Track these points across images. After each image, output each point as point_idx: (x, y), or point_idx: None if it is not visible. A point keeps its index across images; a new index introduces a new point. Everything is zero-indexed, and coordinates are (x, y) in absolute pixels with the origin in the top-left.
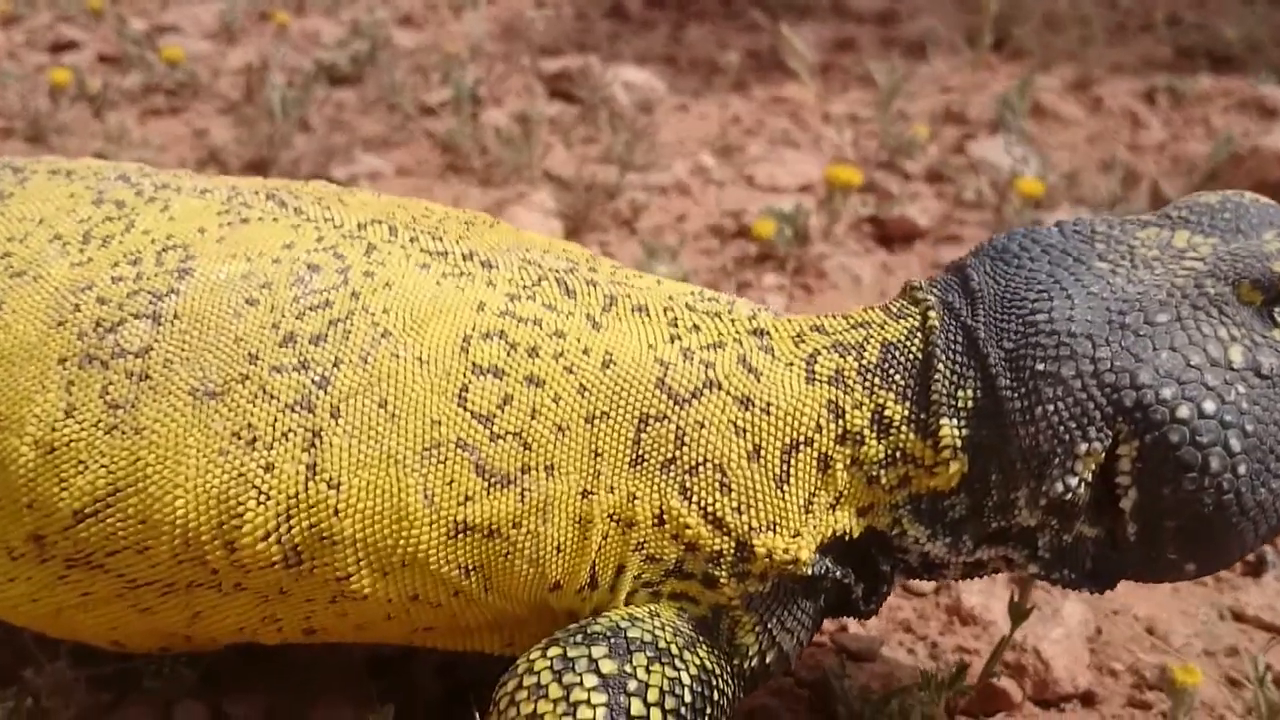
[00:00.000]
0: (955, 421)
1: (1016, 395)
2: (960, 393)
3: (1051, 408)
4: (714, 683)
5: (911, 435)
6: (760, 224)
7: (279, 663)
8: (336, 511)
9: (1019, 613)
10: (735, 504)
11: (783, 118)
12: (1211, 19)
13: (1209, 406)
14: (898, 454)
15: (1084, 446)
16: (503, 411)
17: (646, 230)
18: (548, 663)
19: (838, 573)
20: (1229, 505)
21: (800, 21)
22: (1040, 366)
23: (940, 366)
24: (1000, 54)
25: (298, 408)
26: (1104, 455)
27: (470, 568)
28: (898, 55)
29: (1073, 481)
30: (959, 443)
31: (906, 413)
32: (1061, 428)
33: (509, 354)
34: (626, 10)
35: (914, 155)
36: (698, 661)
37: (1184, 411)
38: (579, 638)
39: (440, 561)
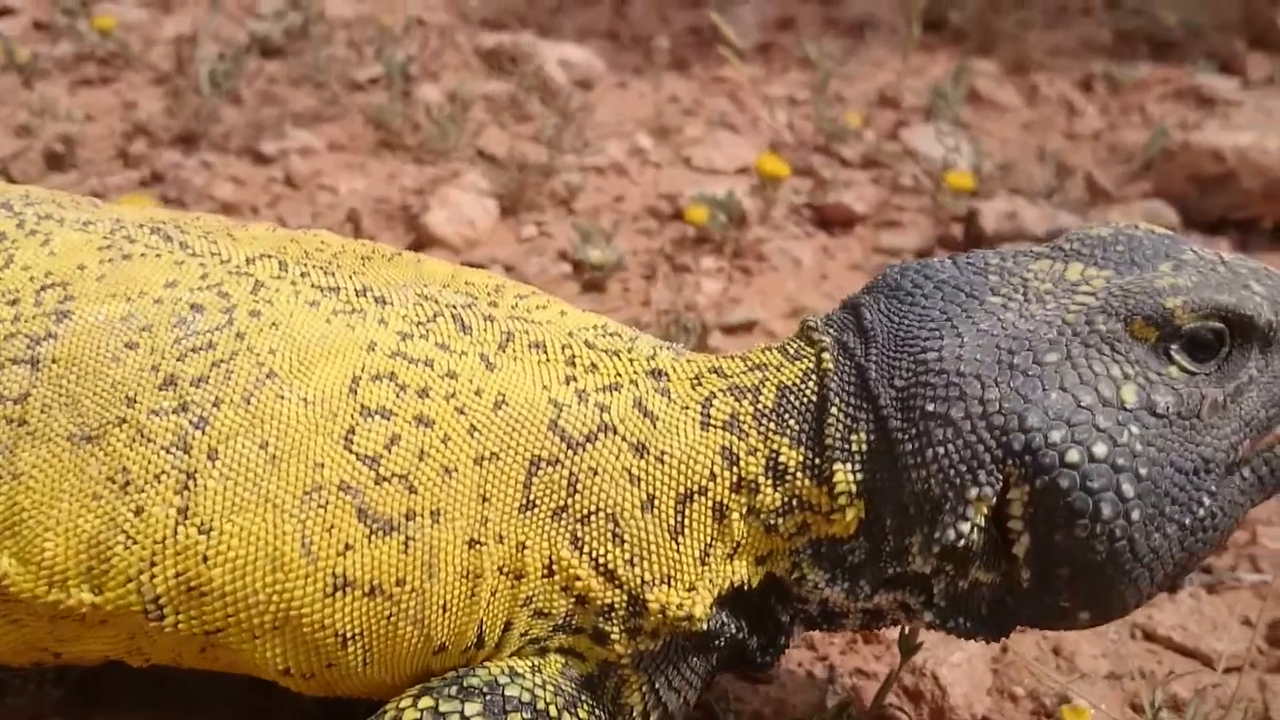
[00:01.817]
0: (850, 466)
1: (907, 437)
2: (854, 436)
3: (941, 450)
4: None
5: (807, 481)
6: (693, 210)
7: (156, 677)
8: (206, 559)
9: (908, 646)
10: (628, 556)
11: (721, 98)
12: (1151, 3)
13: (1100, 450)
14: (794, 501)
15: (975, 491)
16: (389, 453)
17: (584, 211)
18: (417, 715)
19: (733, 628)
20: (1122, 552)
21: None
22: (930, 407)
23: (834, 410)
24: (940, 36)
25: (173, 449)
26: (995, 500)
27: (350, 635)
28: (838, 36)
29: (965, 527)
30: (854, 488)
31: (802, 458)
32: (952, 471)
33: (398, 395)
34: None
35: (848, 141)
36: None
37: (1074, 455)
38: (453, 690)
39: (315, 625)
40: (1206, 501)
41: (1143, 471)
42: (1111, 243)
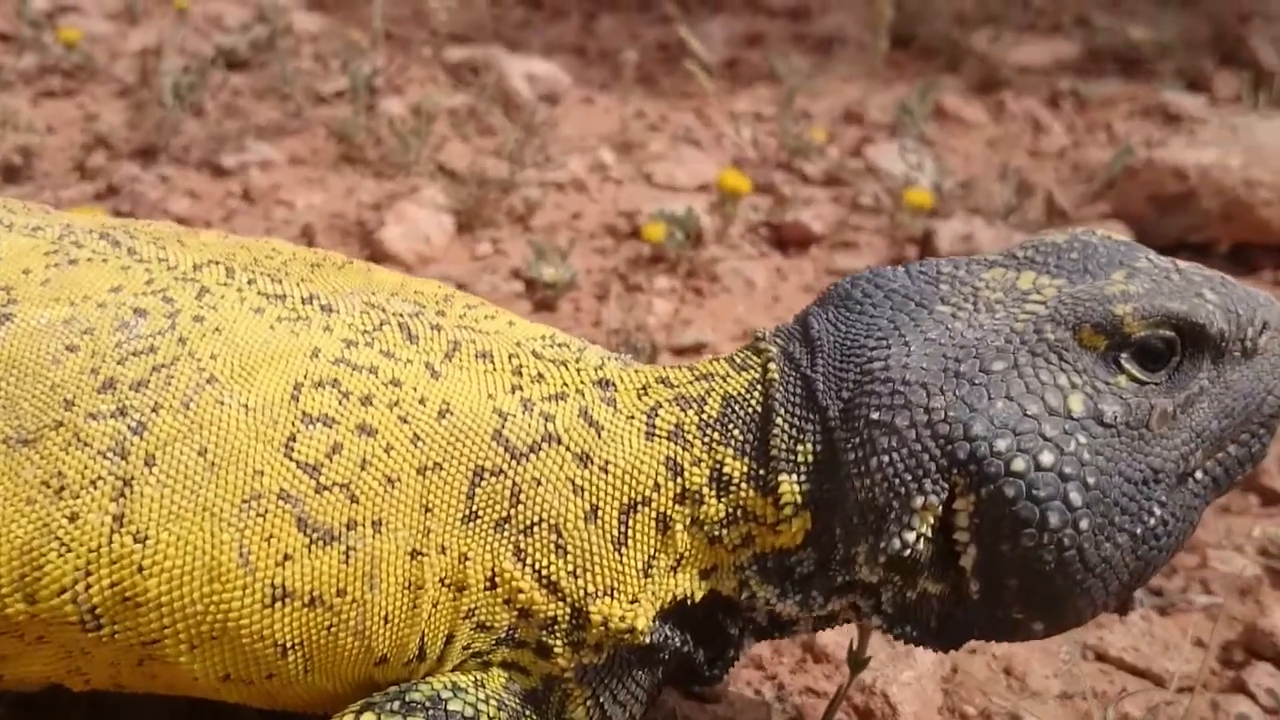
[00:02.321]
0: (795, 477)
1: (852, 447)
2: (800, 447)
3: (886, 459)
4: None
5: (752, 492)
6: (650, 227)
7: (95, 699)
8: (141, 569)
9: (857, 662)
10: (571, 567)
11: (687, 114)
12: (1122, 21)
13: (1046, 459)
14: (739, 512)
15: (920, 500)
16: (331, 461)
17: (540, 228)
18: None
19: (677, 640)
20: (1072, 562)
21: (713, 15)
22: (875, 416)
23: (779, 420)
24: (908, 52)
25: (110, 454)
26: (941, 509)
27: (289, 645)
28: (807, 52)
29: (910, 537)
30: (799, 499)
31: (746, 469)
32: (896, 480)
33: (341, 402)
34: None
35: (812, 158)
36: None
37: (1019, 464)
38: (396, 705)
39: (254, 636)
40: (1158, 511)
41: (1090, 480)
42: (1066, 250)
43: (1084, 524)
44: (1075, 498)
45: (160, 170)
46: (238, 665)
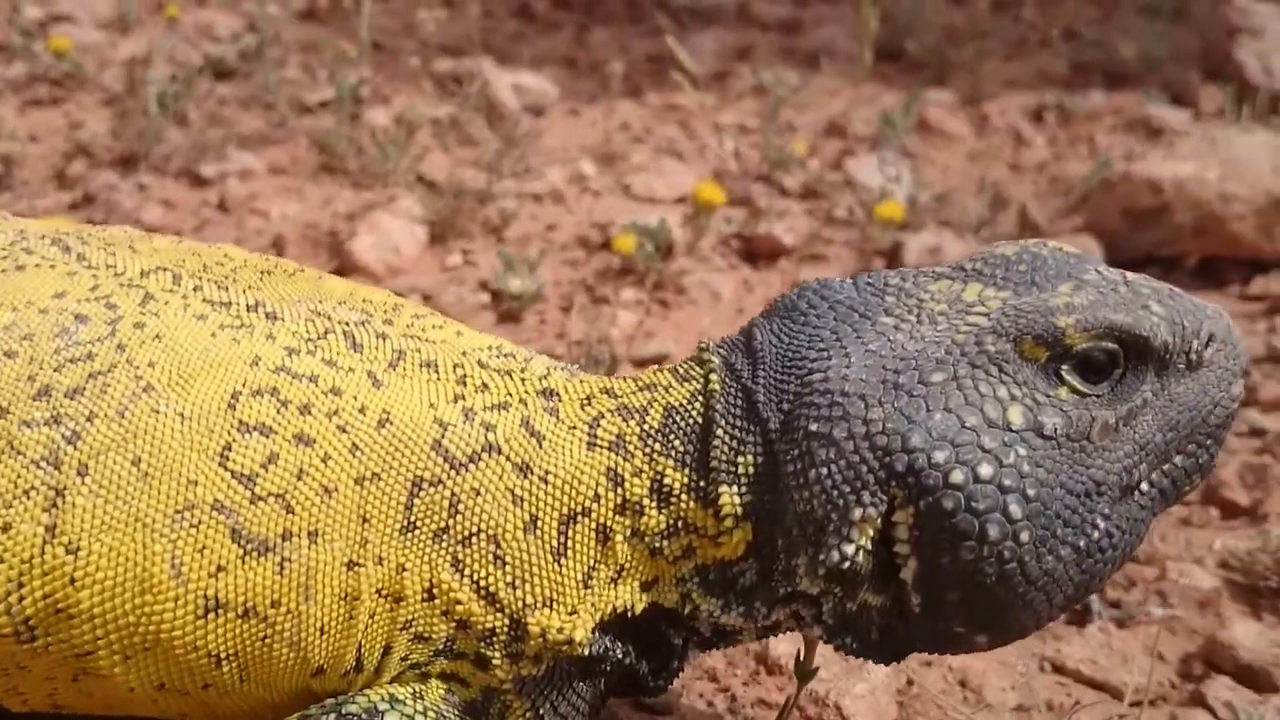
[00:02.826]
0: (735, 488)
1: (791, 459)
2: (740, 458)
3: (824, 471)
4: None
5: (693, 504)
6: (621, 239)
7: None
8: (73, 580)
9: (804, 673)
10: (510, 578)
11: (672, 125)
12: (1110, 35)
13: (985, 471)
14: (680, 524)
15: (858, 512)
16: (266, 471)
17: (513, 239)
18: None
19: (618, 652)
20: (1013, 575)
21: (704, 28)
22: (814, 428)
23: (719, 431)
24: (897, 65)
25: (43, 464)
26: (880, 521)
27: (223, 655)
28: (796, 65)
29: (849, 549)
30: (739, 510)
31: (687, 480)
32: (835, 492)
33: (279, 411)
34: (533, 10)
35: (792, 170)
36: None
37: (957, 476)
38: (331, 718)
39: (188, 646)
40: (1101, 524)
41: (1031, 493)
42: (1014, 262)
43: (1024, 536)
44: (1015, 510)
45: (139, 179)
46: (172, 676)
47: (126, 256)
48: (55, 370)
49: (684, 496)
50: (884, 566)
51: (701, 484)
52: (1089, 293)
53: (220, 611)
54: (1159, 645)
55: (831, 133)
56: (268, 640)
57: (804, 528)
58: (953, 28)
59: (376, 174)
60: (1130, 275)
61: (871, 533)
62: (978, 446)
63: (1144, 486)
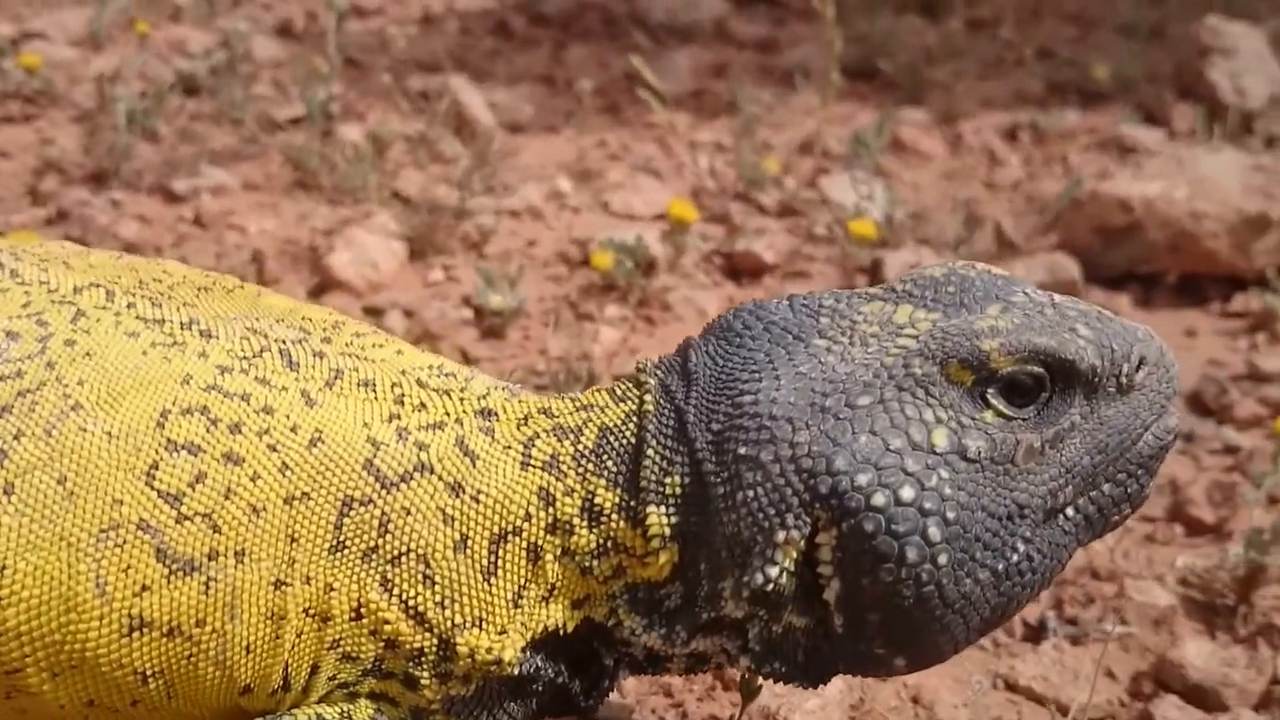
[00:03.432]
0: (663, 509)
1: (719, 480)
2: (669, 479)
3: (751, 493)
4: None
5: (622, 524)
6: (598, 255)
7: None
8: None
9: (749, 690)
10: (438, 598)
11: (649, 143)
12: (1085, 54)
13: (906, 493)
14: (609, 543)
15: (783, 535)
16: (193, 490)
17: (494, 255)
18: None
19: (550, 671)
20: (930, 598)
21: (681, 45)
22: (742, 450)
23: (650, 452)
24: (873, 84)
25: None
26: (804, 544)
27: (149, 673)
28: (772, 84)
29: (774, 571)
30: (667, 531)
31: (617, 500)
32: (761, 514)
33: (209, 430)
34: (510, 28)
35: (767, 188)
36: None
37: (879, 499)
38: None
39: (114, 664)
40: (1021, 547)
41: (951, 516)
42: (943, 284)
43: (943, 559)
44: (934, 533)
45: (111, 195)
46: (100, 693)
47: (60, 273)
48: None
49: (614, 516)
50: (808, 588)
51: (631, 504)
52: (1015, 315)
53: (145, 630)
54: (1112, 663)
55: (806, 151)
56: (193, 659)
57: (731, 550)
58: (929, 48)
59: (351, 190)
60: (1058, 298)
61: (795, 555)
62: (901, 469)
63: (1069, 511)
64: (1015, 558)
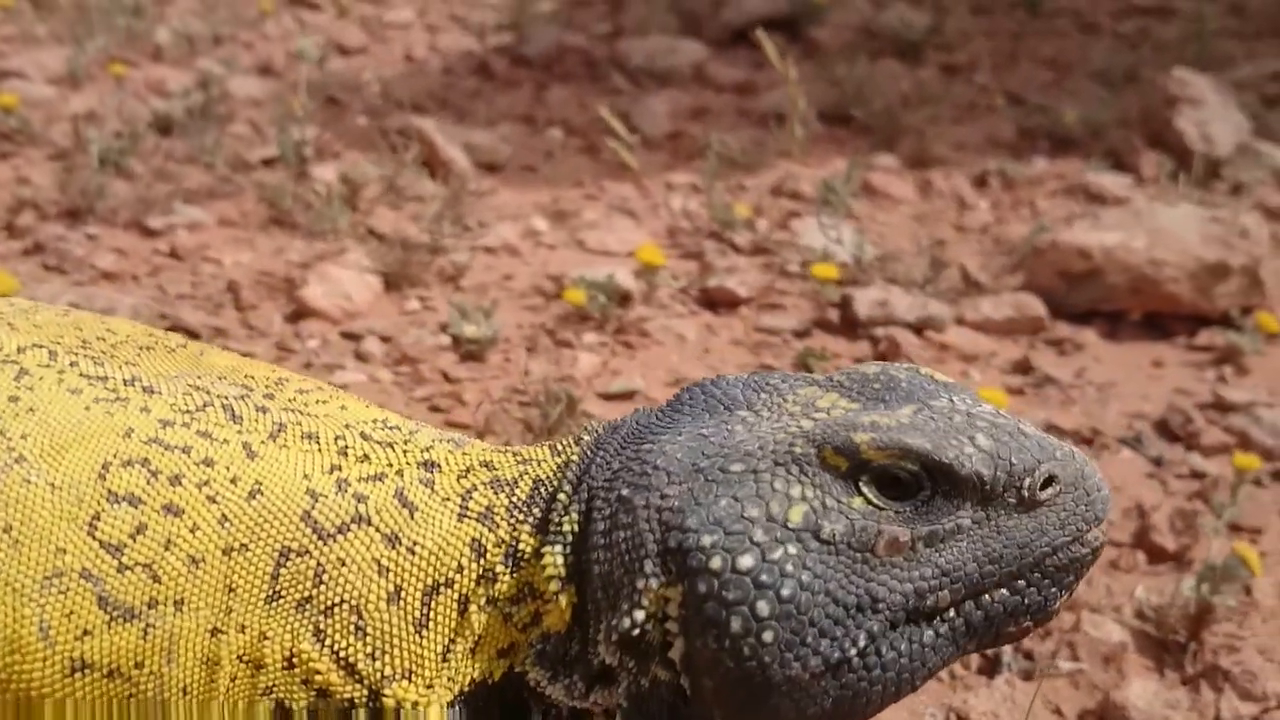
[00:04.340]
0: (559, 548)
1: (601, 518)
2: (566, 519)
3: (622, 534)
4: None
5: (535, 567)
6: (571, 291)
7: None
8: None
9: None
10: (370, 649)
11: (625, 184)
12: (1057, 100)
13: (744, 562)
14: (527, 589)
15: (641, 582)
16: (134, 541)
17: (470, 287)
18: None
19: None
20: (754, 675)
21: (660, 89)
22: (624, 492)
23: (560, 496)
24: (849, 129)
25: None
26: (658, 595)
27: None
28: (749, 126)
29: (639, 615)
30: (562, 570)
31: (535, 545)
32: (628, 556)
33: (149, 482)
34: (492, 69)
35: (739, 229)
36: None
37: (716, 562)
38: None
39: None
40: (862, 641)
41: (785, 593)
42: (872, 380)
43: (767, 636)
44: (762, 607)
45: (87, 230)
46: None
47: (4, 333)
48: None
49: (531, 561)
50: (667, 643)
51: (542, 549)
52: (919, 416)
53: (87, 671)
54: (1060, 700)
55: (779, 194)
56: (133, 698)
57: (606, 590)
58: (905, 94)
59: (324, 230)
60: (985, 409)
61: (653, 604)
62: (747, 537)
63: (950, 615)
64: (852, 651)
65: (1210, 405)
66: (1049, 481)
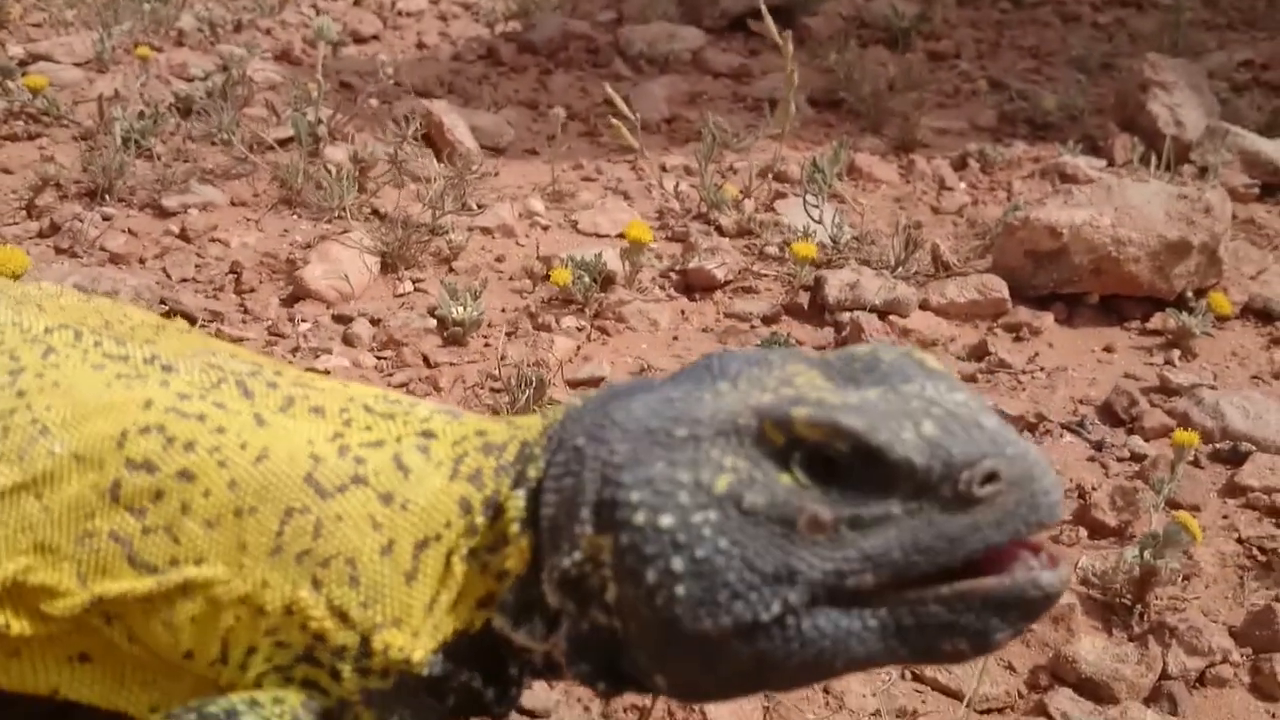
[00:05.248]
0: (521, 492)
1: (557, 463)
2: (533, 467)
3: (570, 481)
4: None
5: (507, 516)
6: (558, 272)
7: None
8: None
9: None
10: (362, 598)
11: (622, 167)
12: (1036, 86)
13: (665, 521)
14: (501, 538)
15: (578, 528)
16: (155, 506)
17: (463, 269)
18: None
19: (463, 675)
20: (667, 625)
21: (659, 74)
22: (579, 443)
23: (536, 450)
24: (838, 113)
25: None
26: (595, 543)
27: (112, 614)
28: (745, 111)
29: (577, 557)
30: (523, 514)
31: (510, 497)
32: (572, 502)
33: (164, 449)
34: (499, 55)
35: (726, 210)
36: None
37: (640, 518)
38: (192, 717)
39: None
40: (775, 609)
41: (699, 554)
42: (857, 359)
43: (679, 591)
44: (677, 564)
45: (104, 210)
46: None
47: (33, 316)
48: None
49: (506, 512)
50: (604, 588)
51: (511, 496)
52: (874, 398)
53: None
54: (1012, 657)
55: (768, 176)
56: (148, 614)
57: (551, 534)
58: (892, 80)
59: (332, 208)
60: (954, 398)
61: (585, 548)
62: (672, 499)
63: (877, 606)
64: (766, 616)
65: (1155, 389)
66: (991, 477)
